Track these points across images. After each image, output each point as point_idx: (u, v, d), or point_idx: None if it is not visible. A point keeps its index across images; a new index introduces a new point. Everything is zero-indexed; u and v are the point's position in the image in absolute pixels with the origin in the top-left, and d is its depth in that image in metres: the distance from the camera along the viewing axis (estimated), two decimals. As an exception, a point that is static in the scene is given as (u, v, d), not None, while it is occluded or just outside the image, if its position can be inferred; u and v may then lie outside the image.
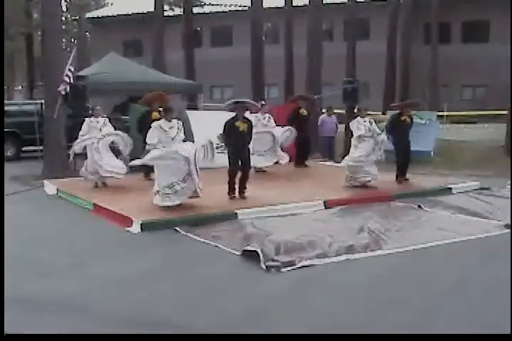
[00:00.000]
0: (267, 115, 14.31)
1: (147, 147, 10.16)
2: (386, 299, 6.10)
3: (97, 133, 12.40)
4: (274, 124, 14.36)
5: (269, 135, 14.02)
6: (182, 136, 10.19)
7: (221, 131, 10.90)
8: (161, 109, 12.18)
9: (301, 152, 15.42)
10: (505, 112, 19.20)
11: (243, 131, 10.92)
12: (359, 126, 12.05)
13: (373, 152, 11.94)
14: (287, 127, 14.51)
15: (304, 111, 15.36)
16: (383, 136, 12.17)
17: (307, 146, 15.58)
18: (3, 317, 5.31)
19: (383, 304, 5.96)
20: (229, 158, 10.98)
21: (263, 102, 15.18)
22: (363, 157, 11.84)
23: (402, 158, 12.81)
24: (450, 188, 12.02)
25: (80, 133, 12.49)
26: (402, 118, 12.86)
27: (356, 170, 11.94)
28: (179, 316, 5.68)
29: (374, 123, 12.27)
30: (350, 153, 12.18)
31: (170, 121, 10.12)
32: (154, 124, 10.11)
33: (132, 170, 13.45)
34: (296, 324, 5.44)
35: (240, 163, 10.96)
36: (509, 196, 11.34)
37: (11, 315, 5.40)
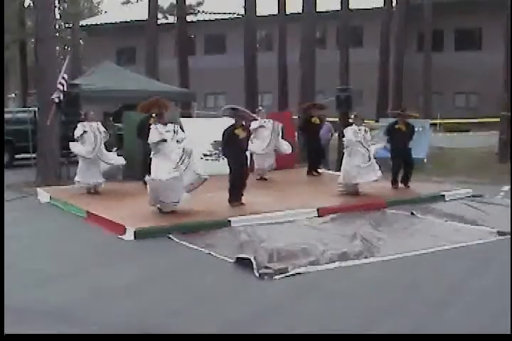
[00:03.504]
0: (267, 120, 14.32)
1: (152, 150, 10.25)
2: (379, 306, 6.10)
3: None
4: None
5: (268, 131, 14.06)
6: (180, 138, 10.27)
7: (215, 139, 10.94)
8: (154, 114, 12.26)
9: (313, 160, 15.45)
10: (498, 120, 19.26)
11: (243, 139, 10.96)
12: (351, 133, 12.07)
13: (368, 161, 11.90)
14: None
15: (316, 120, 15.40)
16: (374, 148, 12.18)
17: (319, 154, 15.61)
18: (3, 317, 5.32)
19: (376, 310, 5.97)
20: (230, 165, 10.95)
21: (260, 108, 15.20)
22: (361, 164, 11.81)
23: (405, 165, 12.86)
24: (443, 195, 12.04)
25: (76, 136, 12.62)
26: (396, 126, 12.95)
27: (354, 175, 11.88)
28: (173, 323, 5.68)
29: (368, 133, 12.31)
30: (344, 160, 12.15)
31: (166, 124, 10.20)
32: (152, 127, 10.27)
33: (127, 177, 13.55)
34: (288, 330, 5.44)
35: (240, 170, 10.95)
36: (502, 203, 11.40)
37: (4, 323, 5.38)
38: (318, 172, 15.29)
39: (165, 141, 10.05)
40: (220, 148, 12.22)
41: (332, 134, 17.93)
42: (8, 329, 5.19)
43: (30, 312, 6.08)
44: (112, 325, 5.67)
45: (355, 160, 11.87)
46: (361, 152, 11.96)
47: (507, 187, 13.17)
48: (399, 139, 12.88)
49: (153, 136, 10.13)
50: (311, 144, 15.43)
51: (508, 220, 9.42)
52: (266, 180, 14.18)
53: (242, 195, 10.97)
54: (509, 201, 11.34)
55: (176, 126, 10.43)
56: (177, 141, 10.19)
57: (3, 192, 12.81)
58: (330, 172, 15.06)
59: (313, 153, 15.42)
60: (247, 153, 11.56)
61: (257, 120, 13.40)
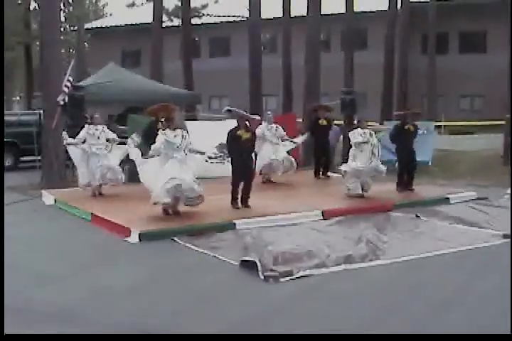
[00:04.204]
0: (274, 125, 14.29)
1: (150, 152, 10.24)
2: (384, 308, 6.09)
3: (95, 140, 12.51)
4: (284, 133, 14.39)
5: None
6: (187, 144, 10.24)
7: (220, 141, 10.96)
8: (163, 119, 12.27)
9: (320, 163, 15.42)
10: (502, 122, 19.22)
11: (246, 140, 10.96)
12: (357, 135, 12.09)
13: (370, 163, 11.92)
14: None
15: (323, 122, 15.31)
16: (379, 149, 12.21)
17: (327, 157, 15.56)
18: (3, 317, 5.32)
19: (381, 313, 5.96)
20: (232, 167, 10.99)
21: (269, 112, 15.16)
22: (361, 167, 11.84)
23: (408, 167, 12.87)
24: (448, 198, 12.03)
25: (76, 138, 12.64)
26: (406, 127, 12.95)
27: (352, 178, 11.91)
28: (177, 325, 5.67)
29: (374, 135, 12.32)
30: (348, 162, 12.20)
31: (174, 130, 10.19)
32: (160, 133, 10.22)
33: (131, 179, 13.54)
34: (289, 330, 5.43)
35: (243, 172, 10.97)
36: (507, 206, 11.36)
37: (5, 323, 5.39)
38: (327, 175, 15.27)
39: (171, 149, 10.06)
40: (224, 151, 12.25)
41: (338, 137, 17.93)
42: (8, 329, 5.20)
43: (31, 312, 6.09)
44: (113, 325, 5.69)
45: (355, 163, 11.90)
46: (364, 152, 11.97)
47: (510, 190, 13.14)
48: (406, 140, 12.88)
49: (156, 145, 10.10)
50: (318, 147, 15.39)
51: (513, 223, 9.40)
52: (271, 182, 14.17)
53: (249, 197, 10.97)
54: (514, 204, 11.32)
55: (183, 131, 10.43)
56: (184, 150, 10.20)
57: (3, 192, 12.83)
58: (335, 175, 15.02)
59: (320, 155, 15.39)
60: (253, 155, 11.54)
61: (255, 120, 13.39)
